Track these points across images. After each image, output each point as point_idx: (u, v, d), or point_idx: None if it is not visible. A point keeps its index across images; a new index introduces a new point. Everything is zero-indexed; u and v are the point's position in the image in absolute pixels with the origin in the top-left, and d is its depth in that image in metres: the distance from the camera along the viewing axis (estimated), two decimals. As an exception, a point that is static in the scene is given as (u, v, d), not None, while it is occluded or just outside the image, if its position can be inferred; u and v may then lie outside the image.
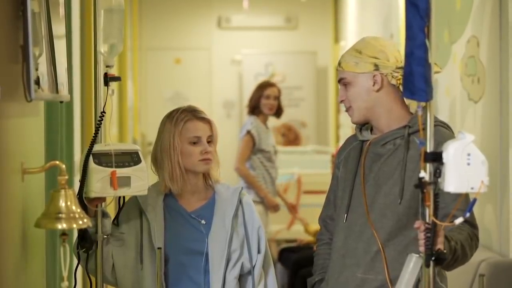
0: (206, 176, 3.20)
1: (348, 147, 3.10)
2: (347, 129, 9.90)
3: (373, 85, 2.95)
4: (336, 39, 11.55)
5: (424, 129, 2.46)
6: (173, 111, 3.20)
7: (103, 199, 3.02)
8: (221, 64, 11.96)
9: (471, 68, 4.72)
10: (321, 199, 8.28)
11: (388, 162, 2.93)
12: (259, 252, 3.18)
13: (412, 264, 2.62)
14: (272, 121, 11.31)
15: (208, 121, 3.18)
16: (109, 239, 3.11)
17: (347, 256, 2.96)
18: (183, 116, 3.16)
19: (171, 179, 3.14)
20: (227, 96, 11.96)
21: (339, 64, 3.01)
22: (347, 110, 3.04)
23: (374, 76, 2.95)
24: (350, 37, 9.93)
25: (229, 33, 11.96)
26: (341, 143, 10.94)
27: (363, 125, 3.07)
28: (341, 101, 3.03)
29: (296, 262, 6.48)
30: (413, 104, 2.88)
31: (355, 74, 2.97)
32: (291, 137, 10.46)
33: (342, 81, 3.01)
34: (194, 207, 3.18)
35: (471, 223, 2.86)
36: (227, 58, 11.95)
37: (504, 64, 4.29)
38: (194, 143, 3.13)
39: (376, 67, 2.94)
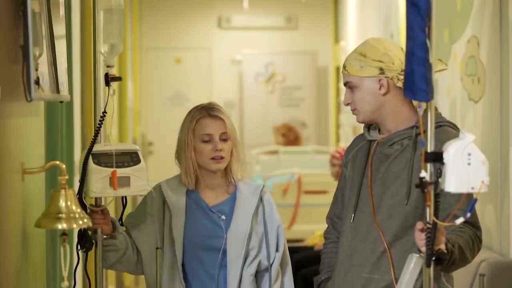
0: (228, 172, 3.21)
1: (355, 146, 3.10)
2: (348, 129, 9.90)
3: (379, 88, 2.94)
4: (336, 39, 11.55)
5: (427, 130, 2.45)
6: (194, 107, 3.25)
7: (104, 223, 3.05)
8: (221, 64, 11.96)
9: (471, 68, 4.72)
10: (322, 199, 8.25)
11: (396, 163, 2.93)
12: (277, 250, 3.20)
13: (413, 264, 2.62)
14: (273, 121, 11.36)
15: (221, 119, 3.19)
16: (126, 235, 3.14)
17: (353, 256, 2.97)
18: (198, 113, 3.20)
19: (185, 174, 3.19)
20: (227, 96, 11.95)
21: (344, 67, 3.00)
22: (352, 110, 3.03)
23: (379, 80, 2.94)
24: (350, 37, 9.93)
25: (230, 33, 11.96)
26: (341, 143, 10.95)
27: (371, 125, 3.06)
28: (347, 104, 3.02)
29: (297, 262, 6.47)
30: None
31: (361, 78, 2.95)
32: (291, 137, 10.45)
33: (348, 85, 3.00)
34: (215, 202, 3.21)
35: (473, 225, 2.85)
36: (228, 58, 11.95)
37: (504, 64, 4.29)
38: (206, 141, 3.16)
39: (382, 71, 2.93)
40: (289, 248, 7.44)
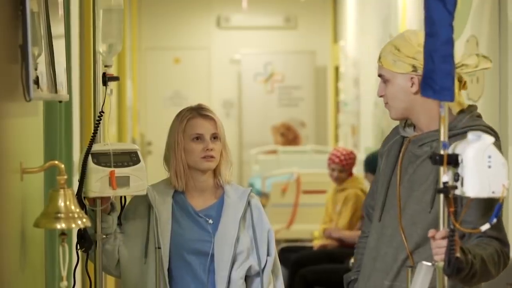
0: (216, 175, 3.20)
1: (392, 138, 3.03)
2: (346, 129, 9.90)
3: (411, 86, 2.87)
4: (335, 38, 11.55)
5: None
6: (183, 109, 3.23)
7: (106, 199, 3.03)
8: (220, 63, 11.96)
9: (470, 68, 4.71)
10: (321, 198, 8.20)
11: (423, 166, 2.85)
12: (269, 255, 3.18)
13: (423, 273, 2.55)
14: (272, 120, 11.36)
15: (212, 119, 3.19)
16: (116, 234, 3.12)
17: (377, 260, 2.93)
18: (188, 113, 3.19)
19: (175, 176, 3.16)
20: (226, 95, 11.96)
21: (379, 58, 2.94)
22: (385, 104, 2.97)
23: (412, 78, 2.87)
24: (350, 37, 9.93)
25: (228, 32, 11.96)
26: (340, 142, 10.90)
27: (407, 120, 2.99)
28: (380, 96, 2.96)
29: (296, 262, 6.48)
30: (454, 106, 2.82)
31: (393, 73, 2.89)
32: (290, 136, 10.45)
33: (381, 77, 2.94)
34: (202, 206, 3.19)
35: (501, 240, 2.74)
36: (226, 57, 11.95)
37: (504, 63, 4.28)
38: (197, 138, 3.15)
39: (414, 68, 2.86)
40: (288, 248, 7.45)
